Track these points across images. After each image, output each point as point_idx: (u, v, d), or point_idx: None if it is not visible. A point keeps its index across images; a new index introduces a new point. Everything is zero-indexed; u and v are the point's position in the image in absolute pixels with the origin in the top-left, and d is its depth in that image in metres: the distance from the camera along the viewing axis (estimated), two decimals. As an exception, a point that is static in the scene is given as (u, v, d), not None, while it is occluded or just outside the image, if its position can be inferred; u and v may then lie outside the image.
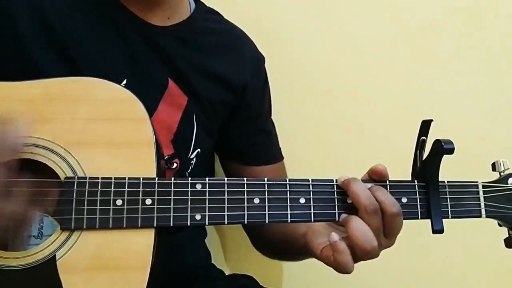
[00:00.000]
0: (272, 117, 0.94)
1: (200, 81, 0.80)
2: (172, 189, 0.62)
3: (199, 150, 0.81)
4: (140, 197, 0.62)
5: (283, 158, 0.93)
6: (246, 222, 0.63)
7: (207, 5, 0.88)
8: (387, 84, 1.08)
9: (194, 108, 0.80)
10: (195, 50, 0.81)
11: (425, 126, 0.66)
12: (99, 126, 0.64)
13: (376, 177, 0.66)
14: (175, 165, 0.79)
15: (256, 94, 0.87)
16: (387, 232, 0.63)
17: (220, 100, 0.83)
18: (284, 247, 0.82)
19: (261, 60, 0.90)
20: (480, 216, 0.68)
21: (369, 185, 0.64)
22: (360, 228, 0.61)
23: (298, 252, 0.78)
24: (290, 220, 0.64)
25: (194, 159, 0.81)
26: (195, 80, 0.80)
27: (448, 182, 0.67)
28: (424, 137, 0.66)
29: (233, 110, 0.85)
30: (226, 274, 0.92)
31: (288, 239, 0.78)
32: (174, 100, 0.78)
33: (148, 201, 0.62)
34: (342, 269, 0.63)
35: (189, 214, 0.62)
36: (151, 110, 0.66)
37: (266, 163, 0.89)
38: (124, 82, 0.73)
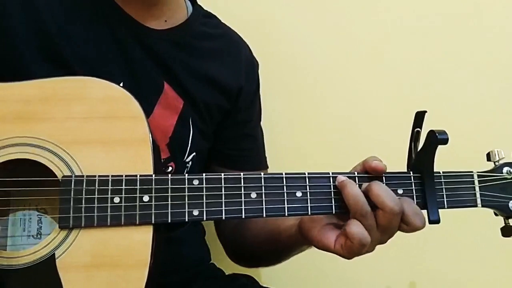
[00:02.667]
0: (268, 116, 0.94)
1: (196, 85, 0.80)
2: (170, 185, 0.63)
3: (195, 153, 0.82)
4: (138, 194, 0.62)
5: (267, 167, 0.92)
6: (243, 216, 0.63)
7: (204, 7, 0.89)
8: (380, 77, 1.09)
9: (190, 112, 0.80)
10: (191, 54, 0.81)
11: (419, 117, 0.67)
12: (95, 125, 0.64)
13: (373, 173, 0.65)
14: (170, 168, 0.79)
15: (248, 99, 0.88)
16: (380, 229, 0.63)
17: (215, 104, 0.83)
18: (269, 247, 0.81)
19: (255, 65, 0.91)
20: (475, 206, 0.68)
21: (366, 184, 0.64)
22: (360, 233, 0.61)
23: (286, 246, 0.77)
24: (288, 214, 0.64)
25: (190, 163, 0.81)
26: (190, 83, 0.80)
27: (443, 172, 0.67)
28: (418, 129, 0.67)
29: (226, 113, 0.85)
30: (226, 273, 0.92)
31: (274, 235, 0.77)
32: (170, 103, 0.78)
33: (146, 198, 0.62)
34: (358, 243, 0.61)
35: (186, 210, 0.62)
36: (146, 113, 0.66)
37: (251, 169, 0.88)
38: (120, 85, 0.73)
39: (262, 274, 1.00)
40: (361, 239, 0.61)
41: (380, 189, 0.62)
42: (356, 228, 0.61)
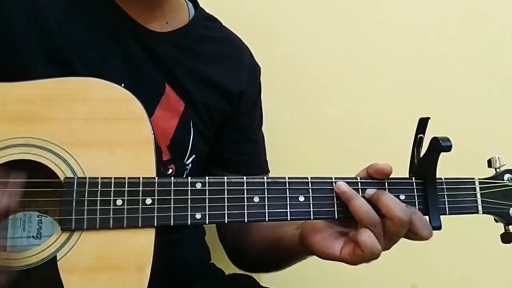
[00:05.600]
0: (269, 118, 0.94)
1: (197, 88, 0.80)
2: (172, 188, 0.62)
3: (195, 155, 0.81)
4: (140, 197, 0.62)
5: (269, 171, 0.92)
6: (246, 220, 0.63)
7: (206, 9, 0.88)
8: (383, 82, 1.10)
9: (191, 114, 0.80)
10: (193, 57, 0.81)
11: (422, 123, 0.67)
12: (97, 126, 0.63)
13: (380, 176, 0.66)
14: (170, 170, 0.79)
15: (249, 103, 0.88)
16: (387, 237, 0.63)
17: (216, 107, 0.83)
18: (269, 255, 0.81)
19: (257, 70, 0.91)
20: (477, 212, 0.68)
21: (371, 191, 0.64)
22: (372, 242, 0.62)
23: (287, 255, 0.78)
24: (290, 218, 0.64)
25: (190, 165, 0.81)
26: (192, 86, 0.80)
27: (445, 179, 0.68)
28: (421, 135, 0.67)
29: (227, 117, 0.85)
30: (226, 273, 0.92)
31: (275, 244, 0.77)
32: (171, 105, 0.78)
33: (148, 201, 0.62)
34: (369, 252, 0.61)
35: (189, 213, 0.62)
36: (147, 115, 0.66)
37: (252, 174, 0.87)
38: (121, 86, 0.73)
39: (262, 274, 1.00)
40: (373, 249, 0.61)
41: (389, 200, 0.63)
42: (368, 237, 0.61)
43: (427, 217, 0.66)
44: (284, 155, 0.95)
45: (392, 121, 1.07)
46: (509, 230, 0.69)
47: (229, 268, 0.93)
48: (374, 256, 0.62)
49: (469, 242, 1.10)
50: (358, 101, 1.09)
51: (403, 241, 0.66)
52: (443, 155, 0.65)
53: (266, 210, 0.64)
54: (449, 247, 1.09)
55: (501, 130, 1.10)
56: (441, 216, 0.67)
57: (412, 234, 0.63)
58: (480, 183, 0.69)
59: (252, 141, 0.90)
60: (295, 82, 1.08)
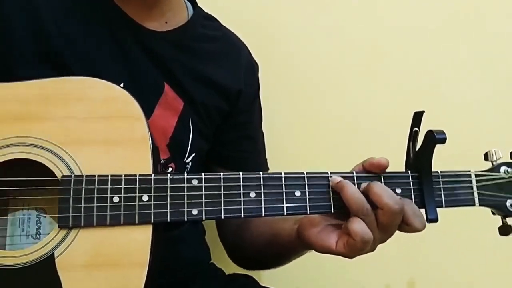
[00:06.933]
0: (267, 116, 0.95)
1: (196, 86, 0.81)
2: (169, 185, 0.63)
3: (195, 154, 0.82)
4: (137, 194, 0.62)
5: (268, 169, 0.93)
6: (242, 216, 0.64)
7: (204, 7, 0.89)
8: (379, 77, 1.10)
9: (190, 113, 0.80)
10: (192, 56, 0.82)
11: (417, 117, 0.67)
12: (94, 125, 0.64)
13: (376, 170, 0.66)
14: (170, 169, 0.79)
15: (248, 101, 0.88)
16: (381, 228, 0.63)
17: (215, 106, 0.83)
18: (268, 251, 0.81)
19: (255, 68, 0.92)
20: (473, 205, 0.68)
21: (365, 183, 0.65)
22: (362, 229, 0.62)
23: (286, 251, 0.78)
24: (286, 213, 0.65)
25: (190, 163, 0.82)
26: (191, 85, 0.80)
27: (441, 172, 0.68)
28: (416, 128, 0.67)
29: (226, 116, 0.86)
30: (226, 273, 0.92)
31: (274, 240, 0.78)
32: (170, 104, 0.79)
33: (145, 198, 0.62)
34: (360, 240, 0.61)
35: (186, 209, 0.63)
36: (147, 114, 0.66)
37: (251, 171, 0.88)
38: (121, 85, 0.73)
39: (262, 274, 1.01)
40: (363, 236, 0.61)
41: (379, 188, 0.63)
42: (358, 225, 0.61)
43: (423, 210, 0.66)
44: (282, 153, 0.95)
45: (388, 115, 1.08)
46: (506, 222, 0.69)
47: (229, 268, 0.93)
48: (366, 244, 0.62)
49: (467, 236, 1.09)
50: (354, 97, 1.09)
51: (400, 236, 0.66)
52: (439, 148, 0.65)
53: (263, 206, 0.64)
54: (446, 242, 1.09)
55: (497, 123, 1.10)
56: (438, 210, 0.66)
57: (405, 225, 0.63)
58: (476, 175, 0.69)
59: (251, 138, 0.91)
60: (293, 80, 1.09)
